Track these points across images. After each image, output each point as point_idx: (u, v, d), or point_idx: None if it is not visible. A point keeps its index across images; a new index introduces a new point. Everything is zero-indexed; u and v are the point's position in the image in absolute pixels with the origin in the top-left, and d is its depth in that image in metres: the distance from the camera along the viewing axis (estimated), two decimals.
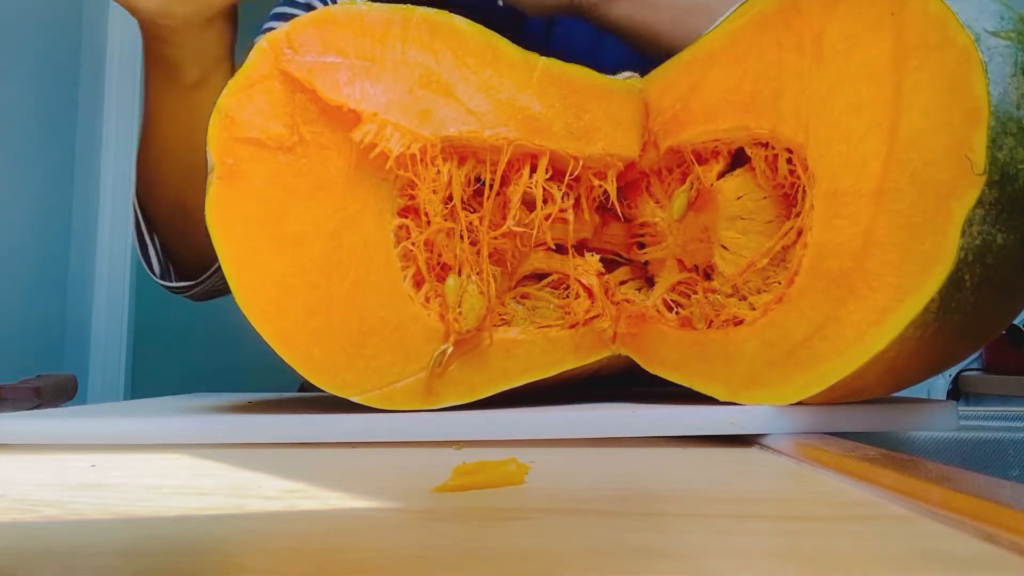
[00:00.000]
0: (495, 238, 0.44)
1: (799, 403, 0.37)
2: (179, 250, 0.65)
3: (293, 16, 0.71)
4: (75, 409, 0.47)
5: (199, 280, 0.64)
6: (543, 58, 0.45)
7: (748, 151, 0.42)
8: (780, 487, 0.28)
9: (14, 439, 0.38)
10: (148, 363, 2.08)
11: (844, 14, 0.37)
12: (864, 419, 0.38)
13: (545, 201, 0.45)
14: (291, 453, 0.36)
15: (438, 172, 0.42)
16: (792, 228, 0.40)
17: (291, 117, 0.40)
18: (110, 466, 0.33)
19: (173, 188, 0.59)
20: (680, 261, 0.47)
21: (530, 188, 0.45)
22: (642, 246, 0.49)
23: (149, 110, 0.57)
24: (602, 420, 0.38)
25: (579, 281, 0.47)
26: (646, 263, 0.49)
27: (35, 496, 0.27)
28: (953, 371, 1.65)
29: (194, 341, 2.22)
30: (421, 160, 0.42)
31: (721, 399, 0.39)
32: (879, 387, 0.37)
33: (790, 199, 0.41)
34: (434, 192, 0.42)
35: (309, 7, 0.73)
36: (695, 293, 0.44)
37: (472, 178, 0.44)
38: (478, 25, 0.44)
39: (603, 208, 0.49)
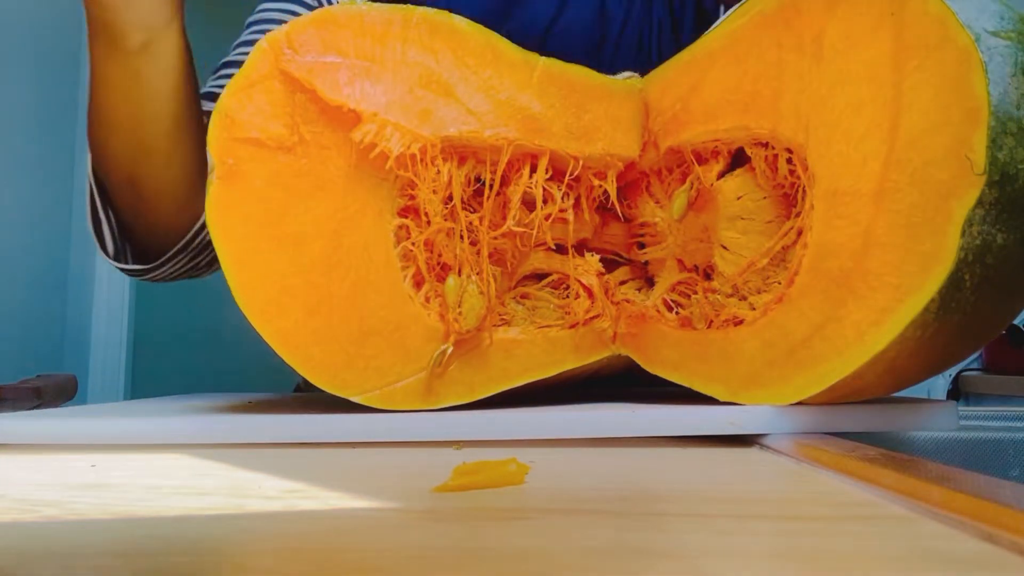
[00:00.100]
0: (495, 238, 0.44)
1: (799, 403, 0.37)
2: (135, 229, 0.61)
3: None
4: (75, 409, 0.47)
5: (155, 264, 0.61)
6: (543, 58, 0.45)
7: (748, 151, 0.42)
8: (780, 487, 0.28)
9: (14, 439, 0.38)
10: (148, 363, 2.08)
11: (844, 14, 0.37)
12: (864, 419, 0.38)
13: (545, 201, 0.45)
14: (291, 453, 0.36)
15: (438, 172, 0.42)
16: (792, 228, 0.40)
17: (291, 117, 0.40)
18: (110, 466, 0.33)
19: (123, 164, 0.56)
20: (680, 261, 0.47)
21: (530, 188, 0.45)
22: (642, 246, 0.49)
23: (93, 78, 0.54)
24: (602, 420, 0.38)
25: (579, 281, 0.47)
26: (646, 263, 0.50)
27: (35, 496, 0.27)
28: (953, 371, 1.66)
29: (194, 342, 2.22)
30: (421, 160, 0.42)
31: (721, 399, 0.39)
32: (879, 387, 0.37)
33: (790, 199, 0.41)
34: (434, 192, 0.42)
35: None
36: (695, 293, 0.44)
37: (472, 178, 0.44)
38: (478, 25, 0.44)
39: (603, 208, 0.49)
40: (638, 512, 0.24)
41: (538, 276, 0.47)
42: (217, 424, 0.38)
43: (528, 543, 0.20)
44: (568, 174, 0.45)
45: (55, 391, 0.49)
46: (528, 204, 0.45)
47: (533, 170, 0.45)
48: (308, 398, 0.53)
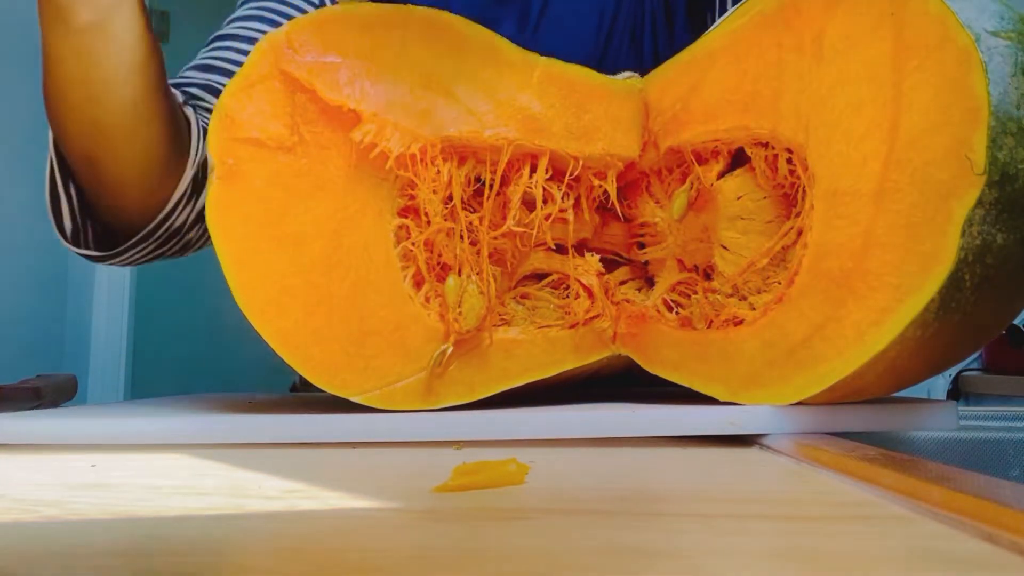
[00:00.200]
0: (495, 238, 0.44)
1: (799, 403, 0.37)
2: (98, 207, 0.57)
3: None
4: (75, 409, 0.47)
5: (115, 252, 0.57)
6: (543, 58, 0.45)
7: (748, 151, 0.42)
8: (780, 487, 0.28)
9: (14, 439, 0.38)
10: (148, 363, 2.08)
11: (844, 14, 0.37)
12: (864, 419, 0.38)
13: (545, 201, 0.45)
14: (291, 453, 0.36)
15: (438, 172, 0.42)
16: (792, 228, 0.40)
17: (291, 117, 0.40)
18: (110, 466, 0.33)
19: (79, 143, 0.53)
20: (680, 261, 0.47)
21: (530, 188, 0.45)
22: (642, 246, 0.49)
23: (43, 52, 0.51)
24: (602, 420, 0.38)
25: (579, 281, 0.47)
26: (646, 263, 0.49)
27: (35, 496, 0.27)
28: (953, 371, 1.65)
29: (194, 341, 2.22)
30: (421, 160, 0.42)
31: (721, 399, 0.39)
32: (879, 387, 0.37)
33: (790, 199, 0.41)
34: (434, 192, 0.42)
35: None
36: (695, 293, 0.44)
37: (472, 178, 0.44)
38: (478, 25, 0.44)
39: (603, 208, 0.49)
40: (638, 512, 0.24)
41: (538, 276, 0.47)
42: (217, 424, 0.38)
43: (528, 543, 0.20)
44: (568, 174, 0.45)
45: (55, 391, 0.49)
46: (528, 204, 0.45)
47: (533, 170, 0.45)
48: (308, 398, 0.53)
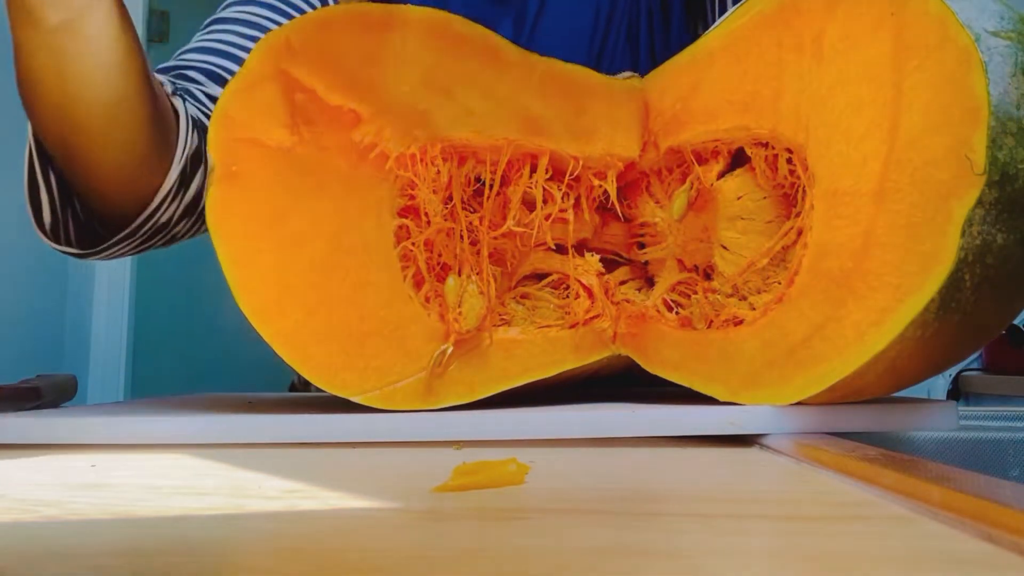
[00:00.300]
0: (495, 238, 0.44)
1: (799, 403, 0.37)
2: (79, 197, 0.55)
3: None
4: (75, 409, 0.47)
5: (96, 251, 0.55)
6: (543, 58, 0.45)
7: (748, 151, 0.42)
8: (780, 487, 0.28)
9: (14, 439, 0.38)
10: (148, 363, 2.08)
11: (844, 14, 0.37)
12: (864, 419, 0.38)
13: (545, 201, 0.45)
14: (291, 453, 0.36)
15: (438, 172, 0.42)
16: (792, 228, 0.40)
17: (291, 117, 0.40)
18: (110, 466, 0.33)
19: (54, 137, 0.51)
20: (680, 261, 0.47)
21: (530, 188, 0.45)
22: (642, 246, 0.49)
23: (14, 46, 0.48)
24: (602, 420, 0.38)
25: (579, 281, 0.47)
26: (646, 263, 0.49)
27: (35, 496, 0.27)
28: (953, 371, 1.65)
29: (194, 341, 2.22)
30: (421, 160, 0.42)
31: (721, 399, 0.39)
32: (879, 387, 0.37)
33: (790, 199, 0.41)
34: (434, 192, 0.42)
35: None
36: (695, 293, 0.44)
37: (472, 178, 0.44)
38: (478, 25, 0.44)
39: (603, 208, 0.49)
40: (638, 512, 0.24)
41: (538, 276, 0.47)
42: (217, 424, 0.38)
43: (528, 543, 0.20)
44: (568, 174, 0.45)
45: (55, 391, 0.49)
46: (528, 204, 0.45)
47: (533, 170, 0.45)
48: (308, 398, 0.53)
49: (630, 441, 0.38)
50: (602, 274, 0.47)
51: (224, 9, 0.66)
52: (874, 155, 0.35)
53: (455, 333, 0.41)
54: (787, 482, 0.29)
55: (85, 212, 0.55)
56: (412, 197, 0.42)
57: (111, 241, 0.54)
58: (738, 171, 0.43)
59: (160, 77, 0.54)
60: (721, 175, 0.44)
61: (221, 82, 0.60)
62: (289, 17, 0.65)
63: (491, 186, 0.44)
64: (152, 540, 0.21)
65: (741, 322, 0.40)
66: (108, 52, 0.48)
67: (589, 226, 0.48)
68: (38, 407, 0.46)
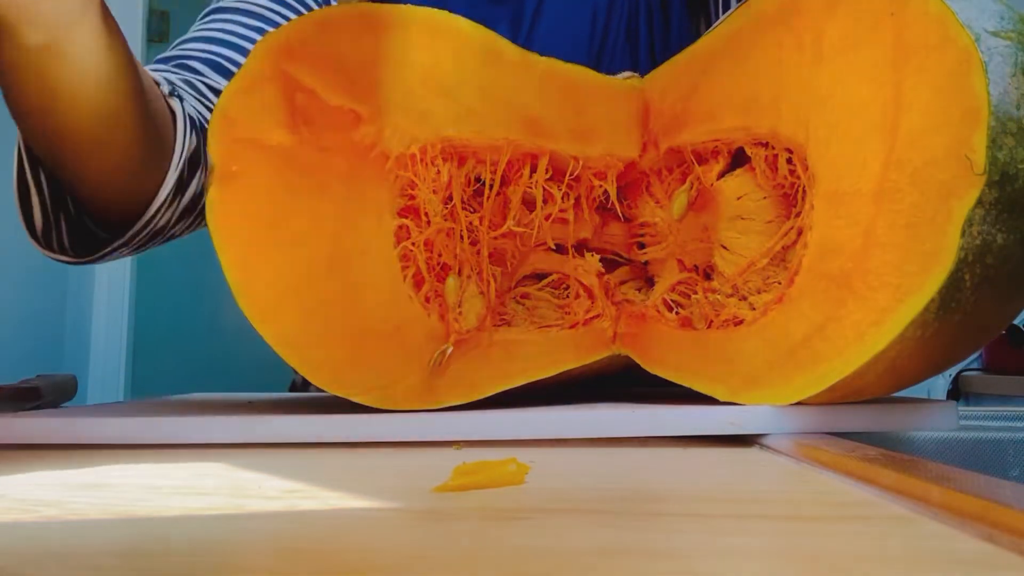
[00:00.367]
0: (495, 238, 0.44)
1: (799, 403, 0.37)
2: (71, 197, 0.52)
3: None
4: (75, 409, 0.47)
5: (90, 259, 0.53)
6: (543, 58, 0.45)
7: (748, 151, 0.42)
8: (780, 487, 0.28)
9: (14, 439, 0.38)
10: (148, 363, 2.08)
11: (844, 14, 0.37)
12: (864, 419, 0.38)
13: (545, 201, 0.45)
14: (291, 453, 0.36)
15: (438, 172, 0.42)
16: (792, 228, 0.40)
17: (291, 117, 0.40)
18: (110, 466, 0.33)
19: (41, 146, 0.49)
20: (680, 261, 0.47)
21: (530, 188, 0.45)
22: (642, 246, 0.49)
23: None
24: (602, 420, 0.38)
25: (579, 281, 0.47)
26: (646, 263, 0.49)
27: (35, 496, 0.27)
28: (953, 371, 1.65)
29: (194, 341, 2.22)
30: (421, 160, 0.42)
31: (721, 399, 0.39)
32: (879, 387, 0.37)
33: (790, 199, 0.41)
34: (434, 192, 0.42)
35: None
36: (695, 293, 0.44)
37: (472, 178, 0.44)
38: (478, 25, 0.44)
39: (603, 208, 0.49)
40: (638, 512, 0.24)
41: (538, 276, 0.47)
42: (217, 424, 0.38)
43: (528, 543, 0.20)
44: (568, 174, 0.45)
45: (55, 391, 0.49)
46: (528, 204, 0.45)
47: (533, 170, 0.45)
48: (308, 398, 0.53)
49: (630, 441, 0.38)
50: (602, 274, 0.47)
51: None
52: (874, 155, 0.35)
53: (455, 333, 0.41)
54: (787, 482, 0.29)
55: (78, 210, 0.53)
56: (412, 197, 0.42)
57: (106, 250, 0.53)
58: (738, 171, 0.43)
59: (157, 76, 0.52)
60: (721, 175, 0.44)
61: (224, 72, 0.59)
62: (291, 7, 0.65)
63: (491, 186, 0.44)
64: (152, 540, 0.21)
65: (741, 322, 0.40)
66: (94, 71, 0.45)
67: (589, 226, 0.48)
68: (38, 407, 0.46)
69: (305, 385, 0.74)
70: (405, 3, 0.44)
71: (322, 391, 0.39)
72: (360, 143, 0.41)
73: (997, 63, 0.32)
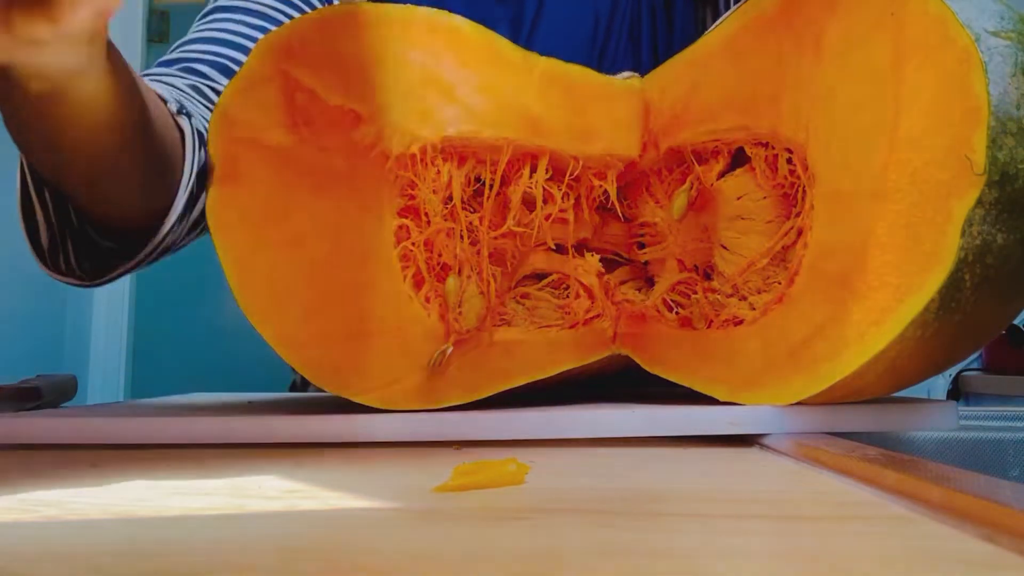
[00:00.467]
0: (495, 238, 0.44)
1: (799, 403, 0.37)
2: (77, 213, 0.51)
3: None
4: (75, 409, 0.47)
5: (98, 282, 0.52)
6: (543, 58, 0.45)
7: (748, 151, 0.42)
8: (780, 487, 0.28)
9: (14, 439, 0.38)
10: (148, 363, 2.08)
11: (844, 14, 0.37)
12: (864, 419, 0.38)
13: (545, 201, 0.45)
14: (291, 453, 0.36)
15: (438, 172, 0.42)
16: (792, 228, 0.40)
17: (291, 117, 0.40)
18: (110, 466, 0.33)
19: (46, 174, 0.48)
20: (680, 261, 0.47)
21: (530, 188, 0.45)
22: (642, 246, 0.49)
23: None
24: (602, 420, 0.38)
25: (579, 281, 0.47)
26: (646, 263, 0.49)
27: (35, 496, 0.27)
28: (953, 371, 1.65)
29: (194, 341, 2.22)
30: (421, 160, 0.42)
31: (721, 399, 0.39)
32: (879, 387, 0.37)
33: (790, 199, 0.40)
34: (434, 192, 0.42)
35: None
36: (695, 293, 0.44)
37: (472, 178, 0.44)
38: (478, 25, 0.44)
39: (603, 208, 0.49)
40: (638, 512, 0.24)
41: (538, 276, 0.47)
42: (217, 424, 0.38)
43: (528, 543, 0.20)
44: (568, 174, 0.45)
45: (55, 391, 0.49)
46: (528, 204, 0.45)
47: (533, 170, 0.45)
48: (308, 398, 0.53)
49: (630, 441, 0.38)
50: (602, 274, 0.47)
51: None
52: (874, 155, 0.35)
53: (455, 333, 0.41)
54: (787, 482, 0.29)
55: (81, 222, 0.52)
56: (412, 197, 0.42)
57: (115, 273, 0.52)
58: (738, 171, 0.43)
59: (163, 91, 0.51)
60: (721, 175, 0.44)
61: (230, 74, 0.58)
62: (293, 5, 0.64)
63: (491, 186, 0.44)
64: (152, 540, 0.21)
65: (741, 322, 0.40)
66: (100, 112, 0.44)
67: (589, 226, 0.48)
68: (38, 407, 0.46)
69: (305, 385, 0.74)
70: (405, 3, 0.44)
71: (322, 391, 0.39)
72: (360, 143, 0.41)
73: (997, 63, 0.32)
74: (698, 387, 0.41)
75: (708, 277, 0.45)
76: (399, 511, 0.24)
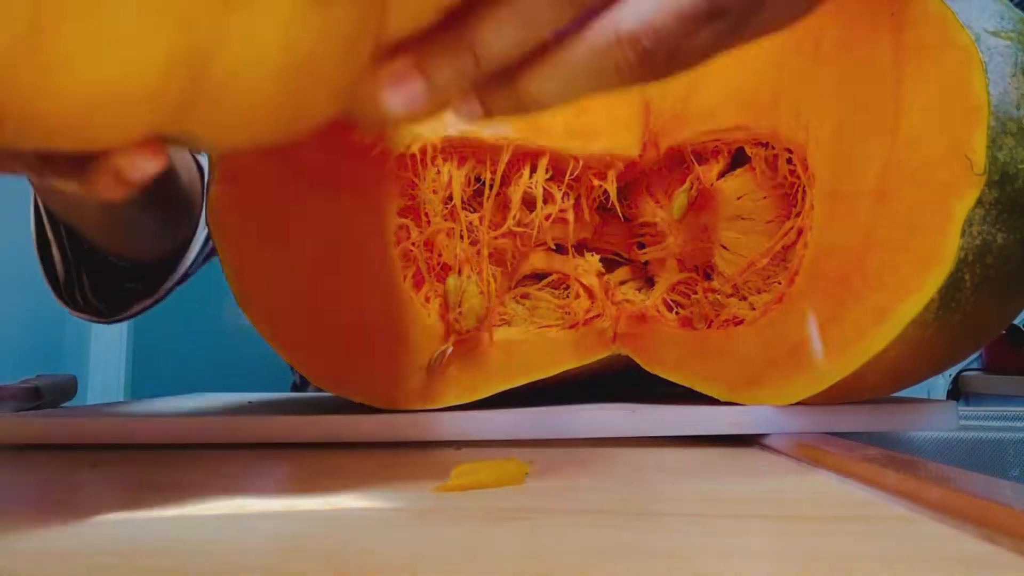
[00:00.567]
0: (495, 238, 0.44)
1: (799, 403, 0.37)
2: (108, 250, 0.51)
3: None
4: (75, 409, 0.47)
5: (114, 319, 0.52)
6: None
7: (748, 151, 0.42)
8: (780, 487, 0.28)
9: (14, 439, 0.38)
10: (148, 363, 2.08)
11: (844, 14, 0.37)
12: (864, 419, 0.38)
13: (545, 201, 0.45)
14: (291, 453, 0.36)
15: (438, 172, 0.42)
16: (792, 228, 0.40)
17: None
18: (110, 466, 0.33)
19: (64, 221, 0.49)
20: (680, 261, 0.47)
21: (530, 188, 0.45)
22: (642, 246, 0.49)
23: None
24: (602, 420, 0.38)
25: (579, 281, 0.47)
26: (646, 263, 0.49)
27: (35, 496, 0.27)
28: (953, 371, 1.65)
29: (194, 341, 2.22)
30: (421, 160, 0.42)
31: (721, 399, 0.39)
32: (879, 387, 0.37)
33: (790, 199, 0.40)
34: (434, 192, 0.42)
35: None
36: (695, 293, 0.44)
37: (472, 178, 0.44)
38: None
39: (603, 208, 0.49)
40: (638, 512, 0.24)
41: (538, 276, 0.47)
42: (217, 424, 0.38)
43: (528, 543, 0.20)
44: (568, 174, 0.45)
45: (55, 391, 0.49)
46: (528, 204, 0.45)
47: (533, 170, 0.45)
48: (308, 398, 0.53)
49: (630, 441, 0.38)
50: (602, 274, 0.47)
51: None
52: (874, 155, 0.35)
53: (455, 333, 0.41)
54: (787, 482, 0.29)
55: (94, 250, 0.52)
56: (412, 197, 0.42)
57: (135, 308, 0.52)
58: (738, 171, 0.43)
59: None
60: (721, 175, 0.44)
61: None
62: None
63: (491, 186, 0.44)
64: (152, 540, 0.21)
65: (741, 322, 0.40)
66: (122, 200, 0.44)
67: (589, 226, 0.48)
68: (38, 407, 0.46)
69: (305, 385, 0.74)
70: None
71: (322, 391, 0.39)
72: (360, 143, 0.41)
73: (997, 63, 0.32)
74: (698, 387, 0.41)
75: (708, 277, 0.45)
76: (399, 511, 0.24)
